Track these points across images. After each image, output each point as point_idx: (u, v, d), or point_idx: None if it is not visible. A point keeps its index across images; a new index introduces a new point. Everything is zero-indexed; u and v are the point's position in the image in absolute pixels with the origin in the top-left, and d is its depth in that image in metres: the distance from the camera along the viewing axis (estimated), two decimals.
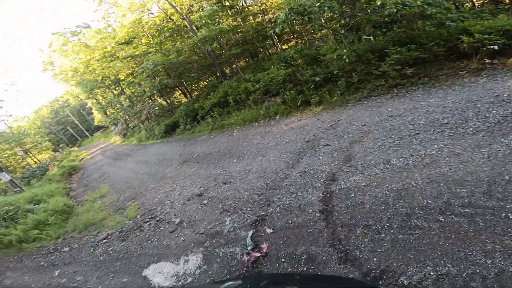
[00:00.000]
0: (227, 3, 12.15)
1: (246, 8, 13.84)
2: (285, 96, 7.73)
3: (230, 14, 12.94)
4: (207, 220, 4.40)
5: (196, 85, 15.66)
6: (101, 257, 4.74)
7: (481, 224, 2.36)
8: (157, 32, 13.65)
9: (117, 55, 14.44)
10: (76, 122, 45.56)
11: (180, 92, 16.36)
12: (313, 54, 8.29)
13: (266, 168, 5.10)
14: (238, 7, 12.73)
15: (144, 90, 15.05)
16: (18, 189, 12.23)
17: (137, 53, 13.78)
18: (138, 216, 5.73)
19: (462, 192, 2.69)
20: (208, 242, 3.85)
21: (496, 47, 5.43)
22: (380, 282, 2.31)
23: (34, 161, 24.50)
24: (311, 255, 2.84)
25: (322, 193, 3.66)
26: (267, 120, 7.89)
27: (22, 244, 6.54)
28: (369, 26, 7.76)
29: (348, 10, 7.31)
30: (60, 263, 5.09)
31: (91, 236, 5.73)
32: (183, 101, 15.40)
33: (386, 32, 7.03)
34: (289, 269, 2.80)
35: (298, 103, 7.33)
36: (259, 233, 3.55)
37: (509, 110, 3.61)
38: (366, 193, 3.27)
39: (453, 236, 2.36)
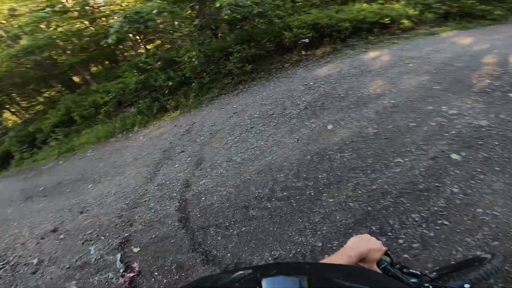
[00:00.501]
0: (58, 8, 9.92)
1: (97, 9, 11.72)
2: (139, 105, 7.16)
3: (72, 16, 10.68)
4: (70, 254, 3.74)
5: (34, 100, 12.51)
6: None
7: (294, 204, 2.72)
8: None
9: None
10: None
11: (9, 112, 12.69)
12: (168, 57, 7.90)
13: (125, 187, 4.63)
14: (82, 8, 10.58)
15: None
16: None
17: None
18: None
19: (281, 177, 3.11)
20: (78, 274, 3.33)
21: (306, 40, 6.54)
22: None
23: None
24: (179, 263, 2.80)
25: (178, 202, 3.60)
26: (124, 133, 7.11)
27: None
28: (224, 24, 7.94)
29: (195, 12, 7.26)
30: None
31: None
32: (17, 122, 12.05)
33: (238, 30, 7.33)
34: (164, 281, 2.70)
35: (154, 111, 6.93)
36: (127, 254, 3.26)
37: (313, 96, 4.45)
38: (214, 193, 3.39)
39: (278, 220, 2.67)
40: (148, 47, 12.68)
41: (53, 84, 11.59)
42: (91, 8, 11.01)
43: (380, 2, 8.21)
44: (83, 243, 3.84)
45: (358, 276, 0.61)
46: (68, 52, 11.14)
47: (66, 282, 3.36)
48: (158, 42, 13.22)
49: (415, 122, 3.19)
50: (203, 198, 3.42)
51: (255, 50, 6.41)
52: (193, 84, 6.72)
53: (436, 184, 2.38)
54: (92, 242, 3.77)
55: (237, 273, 0.56)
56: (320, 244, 2.33)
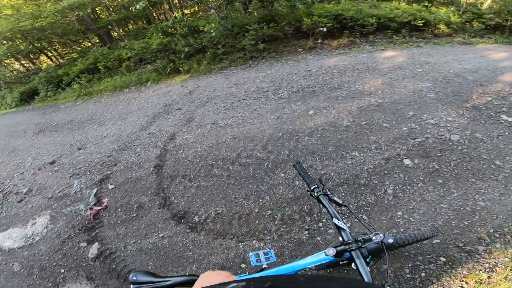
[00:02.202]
0: None
1: None
2: (156, 64, 7.57)
3: None
4: (57, 185, 4.19)
5: (70, 49, 13.33)
6: None
7: (251, 172, 2.95)
8: None
9: None
10: None
11: (46, 56, 13.61)
12: (193, 25, 8.14)
13: (123, 131, 5.04)
14: None
15: None
16: None
17: None
18: None
19: (250, 146, 3.33)
20: (56, 204, 3.74)
21: (324, 29, 6.47)
22: (182, 221, 2.74)
23: None
24: (141, 203, 3.13)
25: (160, 151, 3.94)
26: (138, 86, 7.57)
27: None
28: (255, 0, 8.03)
29: None
30: None
31: None
32: (51, 66, 12.94)
33: (264, 9, 7.41)
34: (123, 217, 3.05)
35: (168, 71, 7.30)
36: (102, 189, 3.64)
37: (309, 82, 4.52)
38: (191, 148, 3.68)
39: (232, 182, 2.92)
40: (186, 12, 12.86)
41: (89, 37, 12.21)
42: None
43: (425, 4, 7.82)
44: (70, 177, 4.30)
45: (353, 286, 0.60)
46: (111, 9, 11.63)
47: (42, 211, 3.81)
48: (195, 8, 13.34)
49: (389, 123, 3.23)
50: (181, 151, 3.72)
51: (272, 31, 6.44)
52: (208, 53, 6.93)
53: (376, 182, 2.50)
54: (79, 176, 4.21)
55: (230, 285, 0.56)
56: (257, 210, 2.56)
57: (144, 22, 13.44)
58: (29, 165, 5.32)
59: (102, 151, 4.62)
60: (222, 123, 3.99)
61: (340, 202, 1.18)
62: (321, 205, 1.18)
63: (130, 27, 13.54)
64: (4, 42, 11.51)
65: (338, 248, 1.05)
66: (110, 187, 3.65)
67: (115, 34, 12.62)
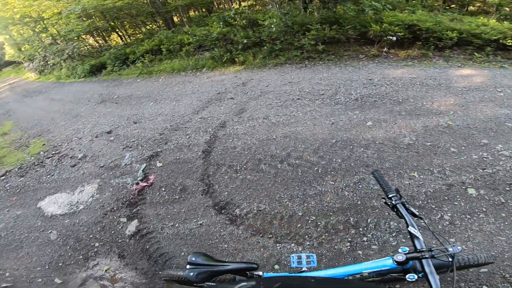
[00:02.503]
0: None
1: None
2: (214, 52, 7.85)
3: None
4: (110, 155, 4.52)
5: (138, 30, 14.46)
6: None
7: (299, 174, 2.92)
8: None
9: None
10: None
11: (117, 34, 14.94)
12: (253, 18, 8.28)
13: (176, 112, 5.30)
14: None
15: (72, 30, 13.44)
16: None
17: None
18: (41, 153, 5.51)
19: (301, 147, 3.28)
20: (105, 174, 4.03)
21: (394, 38, 6.12)
22: (223, 212, 2.78)
23: None
24: (184, 186, 3.25)
25: (209, 137, 4.06)
26: (194, 71, 7.91)
27: None
28: (316, 0, 7.93)
29: None
30: None
31: None
32: (119, 44, 14.21)
33: (327, 10, 7.28)
34: (166, 197, 3.19)
35: (224, 60, 7.52)
36: (151, 166, 3.85)
37: (369, 91, 4.31)
38: (240, 139, 3.74)
39: (279, 181, 2.91)
40: (243, 4, 13.13)
41: (157, 19, 13.14)
42: None
43: None
44: (123, 148, 4.59)
45: None
46: None
47: (92, 179, 4.07)
48: (251, 2, 13.56)
49: (457, 148, 2.96)
50: (230, 140, 3.80)
51: (335, 33, 6.25)
52: (265, 47, 6.97)
53: (433, 206, 2.33)
54: (131, 149, 4.49)
55: (240, 285, 0.56)
56: (300, 214, 2.53)
57: (204, 10, 14.02)
58: (87, 132, 5.82)
59: (155, 128, 4.90)
60: (274, 119, 4.00)
61: (417, 213, 1.20)
62: (395, 213, 1.21)
63: (191, 13, 14.19)
64: (84, 19, 12.84)
65: (409, 255, 1.05)
66: (158, 165, 3.84)
67: (176, 19, 13.37)
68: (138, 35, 14.05)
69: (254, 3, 13.24)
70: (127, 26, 14.36)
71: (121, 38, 14.72)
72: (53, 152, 5.31)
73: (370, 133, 3.31)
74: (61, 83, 13.43)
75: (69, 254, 2.92)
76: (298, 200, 2.66)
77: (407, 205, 1.22)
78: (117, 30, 14.30)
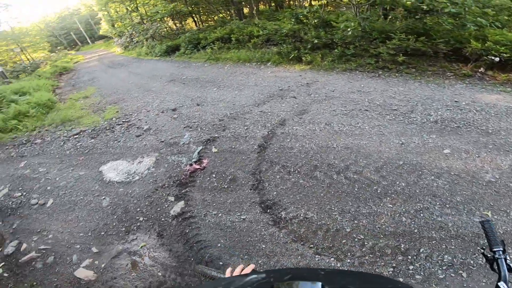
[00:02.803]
0: None
1: None
2: (281, 48, 7.86)
3: None
4: (171, 131, 4.83)
5: (211, 17, 15.31)
6: (68, 151, 5.04)
7: (355, 189, 2.77)
8: None
9: None
10: (81, 29, 45.54)
11: (192, 20, 16.08)
12: (326, 19, 8.06)
13: (237, 101, 5.45)
14: None
15: (157, 12, 14.76)
16: (6, 80, 12.43)
17: None
18: (114, 119, 6.08)
19: (362, 162, 3.09)
20: (164, 149, 4.31)
21: (497, 59, 5.38)
22: (268, 211, 2.77)
23: (27, 59, 24.81)
24: (235, 177, 3.32)
25: (267, 132, 4.08)
26: (258, 64, 8.06)
27: None
28: (401, 8, 7.43)
29: None
30: (29, 154, 5.35)
31: (65, 131, 6.01)
32: (193, 28, 15.33)
33: (413, 19, 6.76)
34: (215, 184, 3.28)
35: (290, 57, 7.48)
36: (206, 150, 4.02)
37: (453, 115, 3.88)
38: (298, 141, 3.68)
39: (332, 192, 2.80)
40: (313, 3, 12.87)
41: (230, 9, 13.86)
42: None
43: None
44: (184, 127, 4.85)
45: (373, 283, 0.59)
46: None
47: (151, 152, 4.34)
48: (323, 1, 13.21)
49: None
50: (288, 140, 3.77)
51: (421, 45, 5.72)
52: (336, 50, 6.73)
53: None
54: (191, 129, 4.73)
55: (250, 277, 0.56)
56: (348, 230, 2.41)
57: (273, 4, 14.15)
58: (155, 106, 6.31)
59: (216, 113, 5.10)
60: (336, 127, 3.86)
61: None
62: (490, 266, 1.09)
63: (261, 7, 14.44)
64: (169, 2, 14.21)
65: None
66: (214, 150, 3.97)
67: (246, 11, 13.77)
68: (210, 22, 14.90)
69: (327, 3, 12.90)
70: (201, 12, 15.25)
71: (196, 23, 15.77)
72: (123, 120, 5.87)
73: (445, 162, 2.99)
74: (140, 59, 14.99)
75: (114, 224, 3.11)
76: (349, 216, 2.54)
77: (508, 261, 1.10)
78: (193, 15, 15.33)
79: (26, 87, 9.69)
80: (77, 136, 5.66)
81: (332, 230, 2.45)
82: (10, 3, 57.76)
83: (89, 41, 45.70)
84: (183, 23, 16.97)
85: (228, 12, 14.16)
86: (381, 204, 2.59)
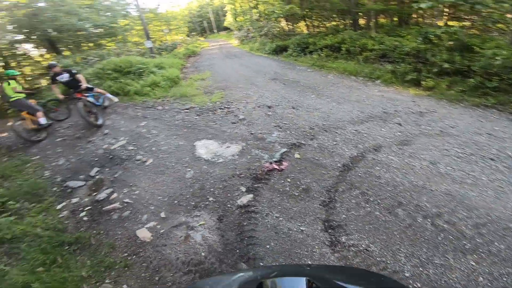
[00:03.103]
0: None
1: None
2: (398, 67, 7.13)
3: None
4: (262, 126, 5.10)
5: (323, 23, 15.19)
6: (177, 122, 5.98)
7: (439, 238, 2.38)
8: None
9: None
10: (212, 19, 52.94)
11: (304, 23, 16.38)
12: (465, 42, 6.81)
13: (333, 113, 5.28)
14: None
15: (274, 11, 15.69)
16: (152, 55, 15.41)
17: None
18: (218, 103, 6.86)
19: (461, 213, 2.58)
20: (251, 141, 4.59)
21: None
22: (329, 231, 2.63)
23: (170, 39, 30.22)
24: (308, 188, 3.28)
25: (357, 154, 3.82)
26: (366, 79, 7.57)
27: (135, 95, 8.56)
28: None
29: None
30: (150, 116, 6.61)
31: (180, 104, 7.18)
32: (304, 32, 15.55)
33: None
34: (287, 189, 3.32)
35: (406, 79, 6.70)
36: (289, 153, 4.08)
37: None
38: (389, 172, 3.33)
39: (409, 234, 2.46)
40: (450, 23, 11.05)
41: (345, 18, 13.37)
42: None
43: None
44: (275, 126, 5.02)
45: (358, 277, 0.60)
46: None
47: (240, 141, 4.64)
48: (466, 23, 11.14)
49: None
50: (377, 168, 3.47)
51: None
52: (471, 79, 5.64)
53: None
54: (280, 130, 4.85)
55: (238, 275, 0.58)
56: (407, 275, 2.13)
57: (396, 19, 12.85)
58: (254, 100, 6.76)
59: (308, 120, 5.10)
60: (443, 169, 3.29)
61: None
62: None
63: (381, 20, 13.37)
64: (286, 3, 15.02)
65: None
66: (296, 156, 3.99)
67: (362, 22, 13.00)
68: (322, 29, 14.84)
69: (470, 24, 10.92)
70: (314, 17, 15.37)
71: (307, 28, 16.07)
72: (225, 106, 6.56)
73: None
74: (251, 54, 16.45)
75: (187, 196, 3.45)
76: (416, 262, 2.22)
77: None
78: (306, 19, 15.67)
79: (164, 63, 11.87)
80: (187, 110, 6.67)
81: (389, 269, 2.19)
82: None
83: (215, 31, 52.77)
84: (295, 25, 17.57)
85: (342, 21, 13.82)
86: (462, 260, 2.18)
